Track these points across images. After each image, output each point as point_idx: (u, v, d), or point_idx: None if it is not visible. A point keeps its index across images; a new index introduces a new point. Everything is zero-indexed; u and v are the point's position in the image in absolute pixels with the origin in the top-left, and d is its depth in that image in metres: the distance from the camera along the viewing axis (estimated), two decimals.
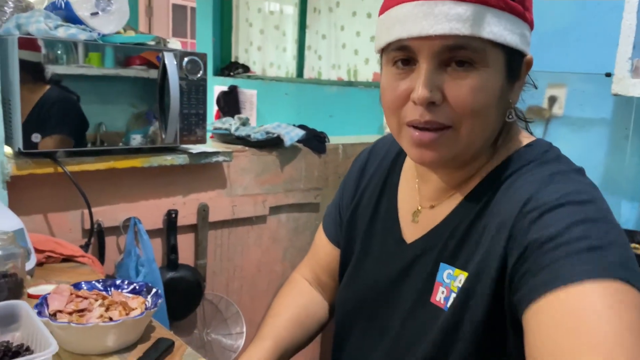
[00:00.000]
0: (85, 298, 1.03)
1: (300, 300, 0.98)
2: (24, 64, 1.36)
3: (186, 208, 1.87)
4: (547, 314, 0.57)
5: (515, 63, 0.69)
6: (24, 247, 1.27)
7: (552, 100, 2.01)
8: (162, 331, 1.06)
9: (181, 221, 1.86)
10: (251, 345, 0.89)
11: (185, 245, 1.92)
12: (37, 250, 1.37)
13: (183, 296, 1.86)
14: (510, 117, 0.72)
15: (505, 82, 0.69)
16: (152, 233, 1.80)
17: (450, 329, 0.69)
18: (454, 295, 0.70)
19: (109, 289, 1.10)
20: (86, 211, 1.61)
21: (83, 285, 1.08)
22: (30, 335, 0.90)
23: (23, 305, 0.96)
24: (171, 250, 1.85)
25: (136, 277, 1.71)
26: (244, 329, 2.04)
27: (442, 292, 0.72)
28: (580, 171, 0.70)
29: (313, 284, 1.02)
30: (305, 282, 1.02)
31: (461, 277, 0.70)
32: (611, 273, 0.56)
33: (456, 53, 0.65)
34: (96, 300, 1.02)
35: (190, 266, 1.93)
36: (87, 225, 1.64)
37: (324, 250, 0.99)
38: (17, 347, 0.88)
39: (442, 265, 0.73)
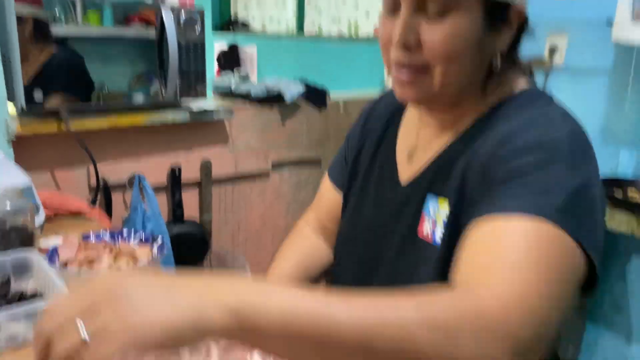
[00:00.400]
0: (94, 249, 1.07)
1: (305, 247, 1.02)
2: (21, 20, 1.37)
3: (189, 165, 1.90)
4: (475, 232, 0.62)
5: (496, 11, 0.71)
6: (33, 202, 1.31)
7: (553, 50, 2.00)
8: None
9: (185, 178, 1.89)
10: None
11: (190, 201, 1.96)
12: (46, 206, 1.41)
13: (190, 251, 1.91)
14: (495, 64, 0.73)
15: (485, 29, 0.71)
16: (157, 190, 1.83)
17: (441, 266, 0.73)
18: (440, 230, 0.74)
19: (116, 239, 1.15)
20: (92, 168, 1.64)
21: (91, 236, 1.13)
22: (43, 283, 0.95)
23: (35, 256, 1.00)
24: (176, 205, 1.89)
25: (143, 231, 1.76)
26: None
27: (429, 225, 0.76)
28: (567, 116, 0.72)
29: (317, 231, 1.06)
30: (310, 229, 1.06)
31: (445, 209, 0.73)
32: (546, 214, 0.59)
33: None
34: (105, 250, 1.06)
35: (196, 222, 1.97)
36: (94, 182, 1.68)
37: (327, 196, 1.03)
38: (31, 295, 0.93)
39: (428, 195, 0.76)
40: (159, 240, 1.12)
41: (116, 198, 1.80)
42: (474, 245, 0.62)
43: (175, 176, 1.86)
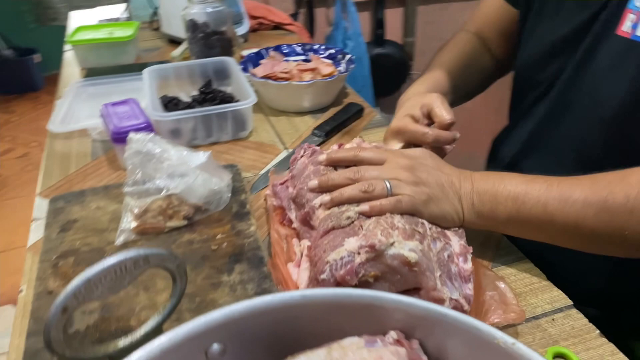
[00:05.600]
0: (287, 66, 1.07)
1: (465, 48, 0.91)
2: None
3: None
4: None
5: None
6: (236, 10, 1.35)
7: None
8: (355, 97, 1.08)
9: None
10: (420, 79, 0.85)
11: (393, 21, 1.84)
12: (251, 17, 1.45)
13: (388, 73, 1.85)
14: None
15: None
16: (359, 6, 1.75)
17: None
18: None
19: (307, 53, 1.13)
20: None
21: (284, 48, 1.13)
22: (238, 88, 0.99)
23: (232, 62, 1.04)
24: (378, 25, 1.80)
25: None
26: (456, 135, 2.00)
27: (631, 20, 0.58)
28: None
29: (478, 39, 0.93)
30: (470, 34, 0.93)
31: None
32: None
33: None
34: (296, 67, 1.06)
35: (398, 43, 1.87)
36: None
37: (493, 8, 0.90)
38: (228, 96, 0.99)
39: None
40: (346, 58, 1.07)
41: (320, 13, 1.77)
42: None
43: None
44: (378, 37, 1.81)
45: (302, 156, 0.68)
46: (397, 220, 0.56)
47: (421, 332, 0.42)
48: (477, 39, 0.92)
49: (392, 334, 0.41)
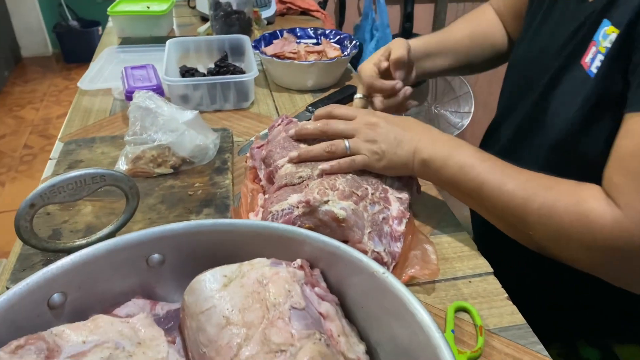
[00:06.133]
0: (296, 48, 1.16)
1: (480, 23, 0.95)
2: None
3: None
4: (635, 128, 0.54)
5: None
6: None
7: None
8: (355, 81, 1.15)
9: None
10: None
11: (423, 15, 1.89)
12: (279, 1, 1.54)
13: None
14: None
15: None
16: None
17: (593, 100, 0.61)
18: (600, 57, 0.60)
19: (319, 37, 1.21)
20: None
21: (298, 31, 1.21)
22: (249, 64, 1.09)
23: (247, 40, 1.14)
24: (406, 18, 1.85)
25: (370, 41, 1.81)
26: (472, 109, 2.03)
27: (592, 52, 0.62)
28: None
29: (497, 14, 0.97)
30: (491, 9, 0.97)
31: (613, 35, 0.59)
32: None
33: None
34: (304, 49, 1.14)
35: None
36: None
37: None
38: (239, 70, 1.08)
39: (604, 21, 0.61)
40: (350, 43, 1.14)
41: (351, 3, 1.84)
42: (629, 139, 0.54)
43: None
44: (405, 30, 1.87)
45: (279, 124, 0.77)
46: (340, 183, 0.64)
47: (324, 263, 0.50)
48: (495, 16, 0.95)
49: (298, 261, 0.50)
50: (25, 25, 4.05)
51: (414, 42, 0.88)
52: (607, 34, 0.60)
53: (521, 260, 0.72)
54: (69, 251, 0.47)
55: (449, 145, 0.66)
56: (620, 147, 0.56)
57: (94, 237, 0.52)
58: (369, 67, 0.85)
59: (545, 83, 0.70)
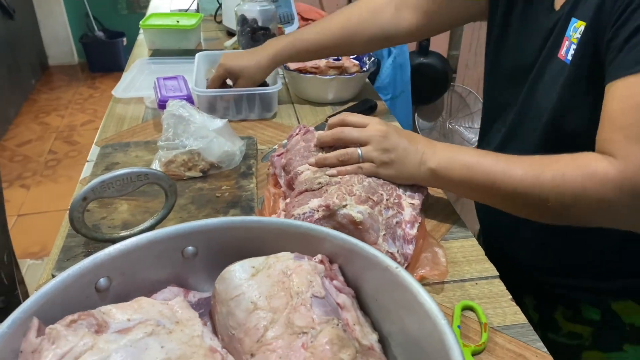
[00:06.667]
0: (318, 63, 1.22)
1: (359, 13, 1.01)
2: None
3: None
4: (619, 93, 0.61)
5: None
6: (288, 11, 1.51)
7: None
8: (373, 95, 1.21)
9: None
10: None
11: (441, 34, 1.95)
12: (302, 18, 1.61)
13: (429, 82, 1.96)
14: None
15: None
16: None
17: (569, 84, 0.69)
18: (573, 46, 0.69)
19: None
20: None
21: None
22: (272, 77, 1.15)
23: None
24: None
25: (387, 57, 1.86)
26: None
27: (566, 45, 0.71)
28: None
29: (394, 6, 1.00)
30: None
31: (581, 27, 0.68)
32: None
33: None
34: (325, 64, 1.20)
35: (442, 55, 1.97)
36: None
37: None
38: (264, 83, 1.14)
39: (572, 20, 0.71)
40: (369, 60, 1.20)
41: None
42: (616, 103, 0.61)
43: None
44: (423, 47, 1.92)
45: (297, 134, 0.82)
46: (357, 188, 0.69)
47: (342, 259, 0.55)
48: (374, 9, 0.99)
49: (319, 256, 0.55)
50: (54, 35, 4.19)
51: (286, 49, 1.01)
52: (576, 28, 0.69)
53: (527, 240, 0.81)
54: (113, 241, 0.53)
55: (449, 151, 0.72)
56: (608, 111, 0.62)
57: (136, 229, 0.58)
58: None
59: (530, 78, 0.77)
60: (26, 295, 1.58)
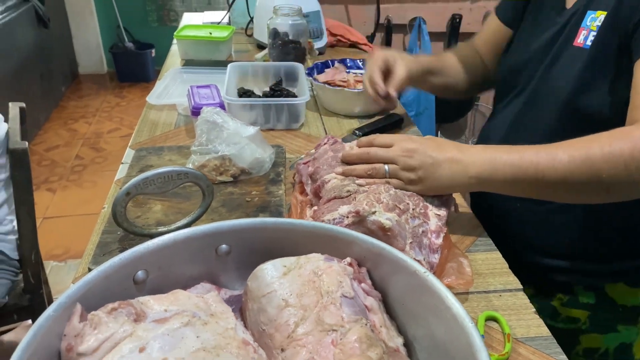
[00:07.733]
0: (345, 78, 1.25)
1: (461, 51, 1.09)
2: None
3: (472, 14, 1.88)
4: None
5: None
6: (317, 27, 1.54)
7: None
8: (400, 109, 1.23)
9: (464, 27, 1.89)
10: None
11: None
12: (331, 34, 1.64)
13: (453, 101, 1.97)
14: None
15: None
16: (434, 35, 1.89)
17: (591, 65, 0.74)
18: (593, 33, 0.75)
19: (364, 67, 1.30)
20: (382, 5, 1.78)
21: (348, 62, 1.30)
22: (301, 89, 1.18)
23: (301, 67, 1.23)
24: None
25: None
26: None
27: (583, 35, 0.77)
28: None
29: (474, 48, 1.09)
30: (468, 44, 1.10)
31: (601, 16, 0.74)
32: None
33: None
34: (351, 77, 1.23)
35: None
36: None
37: (489, 27, 1.05)
38: (292, 94, 1.17)
39: (588, 12, 0.77)
40: None
41: (397, 39, 1.93)
42: None
43: (455, 24, 1.87)
44: None
45: (325, 144, 0.84)
46: (384, 196, 0.70)
47: (370, 263, 0.57)
48: (473, 48, 1.09)
49: (347, 259, 0.56)
50: (85, 45, 4.30)
51: (410, 63, 1.00)
52: (595, 17, 0.75)
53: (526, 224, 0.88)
54: (151, 236, 0.55)
55: (485, 153, 0.72)
56: (639, 84, 0.67)
57: (173, 226, 0.60)
58: (376, 69, 0.99)
59: (544, 65, 0.82)
60: (50, 296, 1.61)
